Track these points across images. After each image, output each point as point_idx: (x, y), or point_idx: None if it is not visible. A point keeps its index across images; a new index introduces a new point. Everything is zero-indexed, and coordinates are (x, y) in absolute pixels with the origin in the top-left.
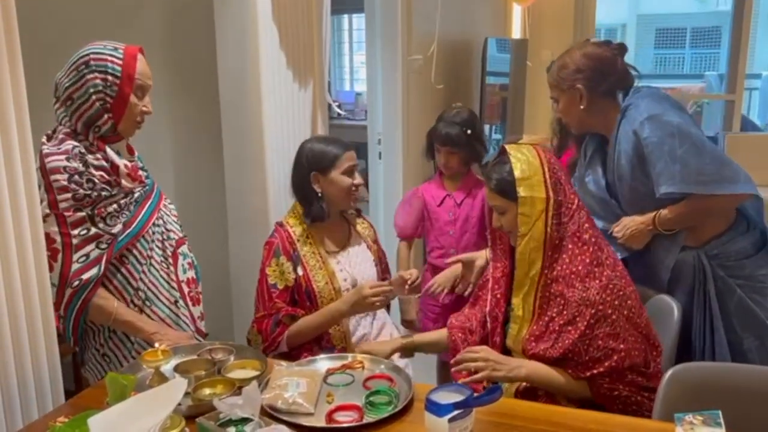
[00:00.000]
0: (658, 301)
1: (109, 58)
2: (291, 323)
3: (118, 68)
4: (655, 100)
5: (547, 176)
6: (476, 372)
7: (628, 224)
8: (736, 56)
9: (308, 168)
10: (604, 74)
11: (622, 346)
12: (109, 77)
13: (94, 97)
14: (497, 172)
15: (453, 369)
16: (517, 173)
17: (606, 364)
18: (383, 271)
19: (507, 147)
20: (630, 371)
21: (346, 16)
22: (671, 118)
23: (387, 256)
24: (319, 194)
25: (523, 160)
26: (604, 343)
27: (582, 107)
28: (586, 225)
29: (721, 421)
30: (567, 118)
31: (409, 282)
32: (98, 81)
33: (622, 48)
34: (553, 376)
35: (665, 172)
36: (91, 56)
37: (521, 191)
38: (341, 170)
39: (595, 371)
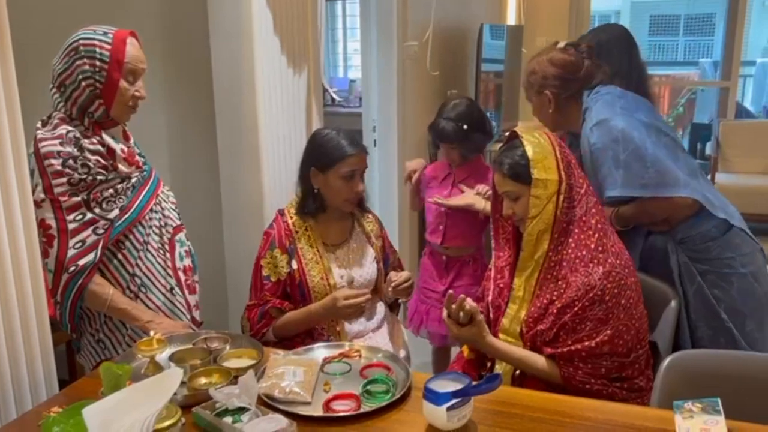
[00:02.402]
0: (657, 290)
1: (98, 43)
2: (279, 316)
3: (107, 53)
4: (606, 104)
5: (559, 159)
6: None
7: None
8: (731, 43)
9: (310, 161)
10: (568, 80)
11: (608, 331)
12: (98, 62)
13: (84, 83)
14: (509, 157)
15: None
16: (530, 155)
17: (585, 343)
18: (396, 266)
19: (518, 131)
20: (608, 359)
21: (339, 2)
22: (617, 123)
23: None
24: (316, 190)
25: (535, 143)
26: (592, 325)
27: (551, 110)
28: (593, 210)
29: (720, 408)
30: (539, 119)
31: (393, 285)
32: (87, 67)
33: (591, 50)
34: (521, 355)
35: (609, 177)
36: (81, 41)
37: (535, 173)
38: (339, 174)
39: (572, 347)
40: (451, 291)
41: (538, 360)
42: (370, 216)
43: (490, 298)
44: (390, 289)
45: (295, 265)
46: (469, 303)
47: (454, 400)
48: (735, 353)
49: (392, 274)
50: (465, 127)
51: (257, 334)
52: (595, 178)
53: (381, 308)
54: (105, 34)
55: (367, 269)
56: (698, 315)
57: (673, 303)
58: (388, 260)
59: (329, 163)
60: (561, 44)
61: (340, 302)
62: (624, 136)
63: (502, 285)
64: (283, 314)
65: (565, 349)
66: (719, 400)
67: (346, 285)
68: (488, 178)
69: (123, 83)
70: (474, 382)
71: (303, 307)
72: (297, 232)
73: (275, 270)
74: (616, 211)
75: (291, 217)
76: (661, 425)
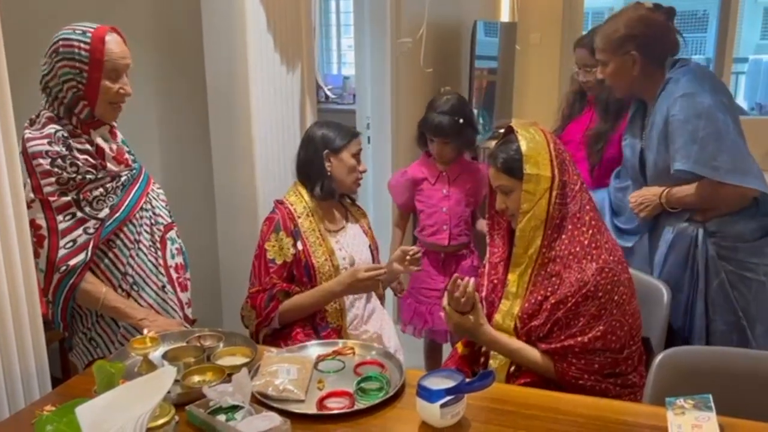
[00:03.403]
0: (649, 287)
1: (76, 43)
2: (285, 299)
3: (85, 53)
4: (695, 78)
5: (553, 155)
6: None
7: (643, 193)
8: (723, 40)
9: (322, 147)
10: (657, 41)
11: (601, 327)
12: (77, 64)
13: (66, 86)
14: (504, 151)
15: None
16: (524, 150)
17: (579, 338)
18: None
19: (514, 125)
20: (602, 355)
21: None
22: (703, 99)
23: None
24: (329, 173)
25: (530, 139)
26: (585, 321)
27: (635, 74)
28: (587, 207)
29: (712, 404)
30: (615, 82)
31: (410, 254)
32: (67, 69)
33: (671, 12)
34: (517, 346)
35: (682, 150)
36: (61, 43)
37: (527, 168)
38: (352, 152)
39: (565, 343)
40: (456, 274)
41: (534, 352)
42: (360, 209)
43: (483, 293)
44: (408, 257)
45: (300, 246)
46: (472, 285)
47: (448, 398)
48: (726, 350)
49: (405, 247)
50: (461, 121)
51: (266, 319)
52: (660, 149)
53: (374, 298)
54: (84, 33)
55: (364, 253)
56: (716, 309)
57: (665, 299)
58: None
59: (343, 143)
60: (648, 3)
61: (361, 273)
62: (708, 114)
63: (495, 281)
64: (290, 297)
65: (558, 345)
66: (711, 396)
67: (348, 266)
68: (479, 175)
69: (105, 82)
70: (467, 380)
71: (310, 289)
72: (299, 216)
73: (281, 252)
74: (668, 191)
75: (291, 204)
76: (653, 421)
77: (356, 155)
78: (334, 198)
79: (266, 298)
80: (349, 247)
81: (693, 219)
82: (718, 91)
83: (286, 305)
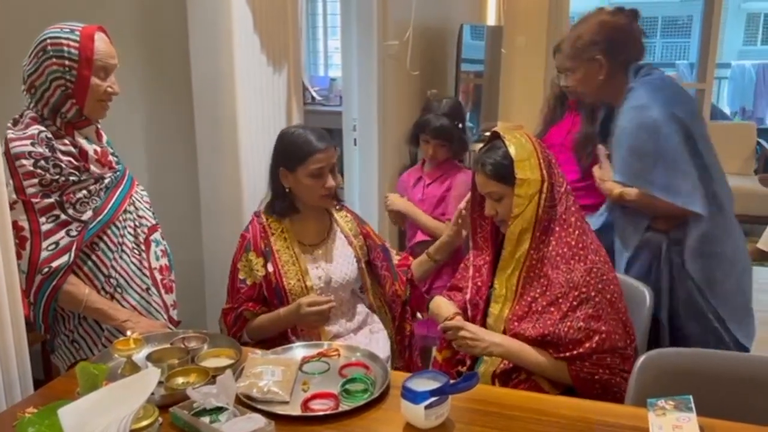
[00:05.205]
0: (631, 289)
1: (65, 42)
2: (252, 318)
3: (75, 51)
4: (652, 89)
5: (541, 159)
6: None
7: (602, 176)
8: (706, 46)
9: (277, 162)
10: (621, 44)
11: (603, 327)
12: (67, 62)
13: (54, 84)
14: (492, 157)
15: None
16: (514, 155)
17: (587, 345)
18: (402, 259)
19: (499, 131)
20: (611, 354)
21: (320, 1)
22: (652, 113)
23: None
24: (287, 189)
25: (517, 143)
26: (585, 324)
27: (601, 78)
28: (573, 208)
29: (692, 405)
30: (584, 89)
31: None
32: (56, 67)
33: (635, 13)
34: (530, 354)
35: (621, 161)
36: (48, 41)
37: (519, 173)
38: (307, 172)
39: (575, 351)
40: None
41: (544, 356)
42: (348, 215)
43: (468, 296)
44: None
45: (270, 267)
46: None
47: (432, 399)
48: (707, 352)
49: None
50: (460, 125)
51: (233, 338)
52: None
53: (361, 309)
54: (72, 31)
55: (347, 269)
56: (687, 316)
57: (647, 302)
58: (388, 253)
59: (297, 161)
60: (608, 7)
61: (304, 309)
62: (654, 127)
63: (480, 283)
64: (257, 317)
65: (567, 354)
66: (691, 397)
67: (324, 285)
68: (457, 178)
69: (94, 80)
70: (452, 381)
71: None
72: (273, 234)
73: (251, 273)
74: (622, 192)
75: (266, 219)
76: (635, 422)
77: (315, 173)
78: (286, 217)
79: (233, 317)
80: (329, 263)
81: (655, 228)
82: (674, 104)
83: (252, 325)
